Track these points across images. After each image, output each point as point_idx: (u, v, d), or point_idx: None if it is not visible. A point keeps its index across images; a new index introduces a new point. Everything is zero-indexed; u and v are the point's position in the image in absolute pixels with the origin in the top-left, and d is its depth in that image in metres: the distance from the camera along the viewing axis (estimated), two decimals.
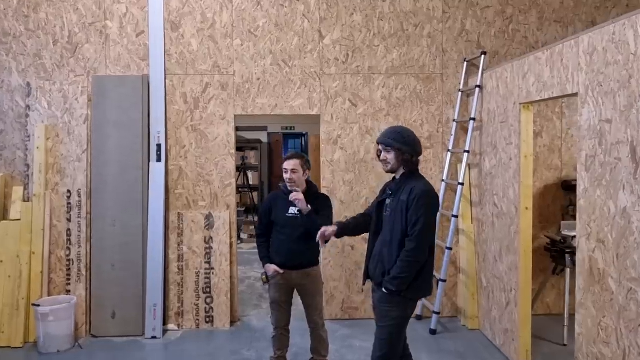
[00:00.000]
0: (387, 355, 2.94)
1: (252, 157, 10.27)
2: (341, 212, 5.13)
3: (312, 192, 3.70)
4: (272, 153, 10.82)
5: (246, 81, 5.06)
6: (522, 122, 3.94)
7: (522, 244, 3.97)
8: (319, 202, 3.68)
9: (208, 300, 5.02)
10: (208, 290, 5.02)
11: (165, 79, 5.00)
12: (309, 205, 3.53)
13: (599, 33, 2.94)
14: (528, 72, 3.81)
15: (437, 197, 3.07)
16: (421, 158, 3.16)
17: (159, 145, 4.97)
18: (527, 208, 3.96)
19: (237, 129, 10.12)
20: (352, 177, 5.15)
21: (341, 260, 5.16)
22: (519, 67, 3.97)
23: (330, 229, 3.24)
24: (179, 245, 5.03)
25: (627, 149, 2.70)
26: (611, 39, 2.82)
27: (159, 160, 4.97)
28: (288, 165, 3.60)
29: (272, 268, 3.67)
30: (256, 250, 3.95)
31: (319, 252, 3.77)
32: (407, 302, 2.99)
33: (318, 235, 3.23)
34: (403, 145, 3.00)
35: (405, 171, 3.05)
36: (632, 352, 2.66)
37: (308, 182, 3.72)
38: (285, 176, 3.61)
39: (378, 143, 3.11)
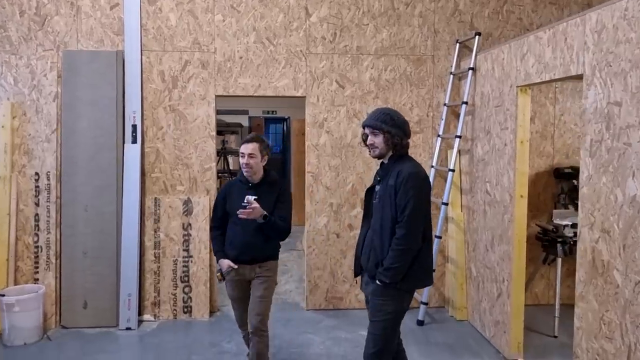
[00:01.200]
0: (381, 352, 2.75)
1: (232, 142, 9.96)
2: (327, 198, 4.92)
3: (269, 181, 3.35)
4: None
5: (228, 59, 4.78)
6: (519, 106, 3.77)
7: (517, 233, 3.81)
8: (278, 192, 3.34)
9: (186, 289, 4.78)
10: (186, 279, 4.78)
11: (141, 55, 4.69)
12: (262, 215, 3.17)
13: (609, 9, 2.75)
14: (527, 53, 3.62)
15: (427, 178, 2.87)
16: (410, 140, 2.95)
17: (134, 126, 4.68)
18: (522, 196, 3.80)
19: (217, 112, 9.85)
20: (338, 163, 4.94)
21: (325, 249, 4.96)
22: (517, 47, 3.78)
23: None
24: (155, 231, 4.76)
25: (638, 133, 2.54)
26: (623, 15, 2.64)
27: (134, 141, 4.68)
28: (245, 149, 3.22)
29: (225, 263, 3.32)
30: None
31: (278, 245, 3.43)
32: (403, 294, 2.79)
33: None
34: (392, 128, 2.79)
35: (393, 154, 2.85)
36: (639, 349, 2.51)
37: (265, 168, 3.35)
38: (242, 161, 3.24)
39: (364, 126, 2.88)
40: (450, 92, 4.87)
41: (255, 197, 3.17)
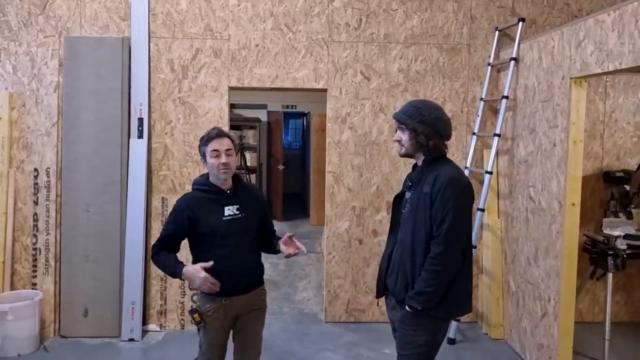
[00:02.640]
0: None
1: (250, 137, 9.60)
2: (349, 201, 4.49)
3: (245, 185, 2.74)
4: (272, 133, 10.14)
5: (243, 47, 4.37)
6: (573, 101, 3.28)
7: (567, 246, 3.33)
8: (262, 200, 2.80)
9: (195, 297, 4.38)
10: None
11: (149, 42, 4.31)
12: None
13: None
14: (585, 40, 3.13)
15: (470, 186, 2.41)
16: (448, 142, 2.50)
17: (140, 120, 4.30)
18: (574, 204, 3.32)
19: (235, 106, 9.50)
20: (361, 162, 4.49)
21: (347, 256, 4.53)
22: (571, 33, 3.28)
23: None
24: None
25: None
26: None
27: (140, 136, 4.30)
28: (220, 145, 2.53)
29: (202, 277, 2.45)
30: None
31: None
32: (438, 323, 2.36)
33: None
34: (419, 125, 2.34)
35: (427, 156, 2.41)
36: None
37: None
38: (216, 161, 2.52)
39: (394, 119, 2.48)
40: (487, 85, 4.39)
41: (238, 207, 2.61)
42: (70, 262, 4.22)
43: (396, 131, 2.48)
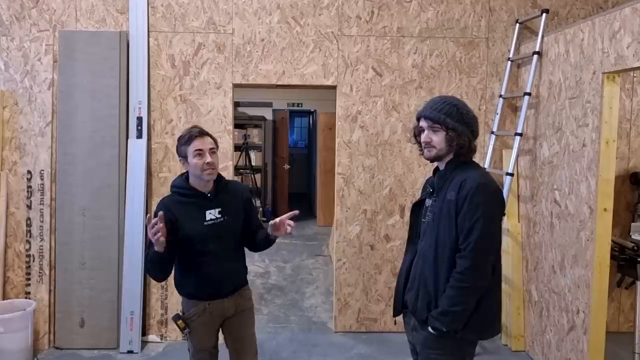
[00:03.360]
0: None
1: (255, 136, 9.35)
2: (360, 204, 4.24)
3: (224, 184, 2.57)
4: (277, 132, 9.90)
5: (247, 42, 4.13)
6: (605, 98, 3.03)
7: (598, 255, 3.08)
8: (242, 198, 2.62)
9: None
10: None
11: (148, 37, 4.07)
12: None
13: None
14: (620, 31, 2.87)
15: (500, 191, 2.17)
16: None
17: (139, 119, 4.07)
18: (605, 209, 3.06)
19: (239, 104, 9.26)
20: (373, 163, 4.25)
21: (358, 262, 4.29)
22: (604, 24, 3.02)
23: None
24: None
25: None
26: None
27: (139, 136, 4.07)
28: (204, 144, 2.39)
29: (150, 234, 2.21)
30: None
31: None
32: (465, 346, 2.12)
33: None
34: (459, 125, 2.10)
35: (453, 158, 2.16)
36: None
37: None
38: (200, 161, 2.37)
39: (420, 118, 2.20)
40: (507, 81, 4.14)
41: (220, 210, 2.48)
42: (66, 270, 3.99)
43: (416, 130, 2.23)
